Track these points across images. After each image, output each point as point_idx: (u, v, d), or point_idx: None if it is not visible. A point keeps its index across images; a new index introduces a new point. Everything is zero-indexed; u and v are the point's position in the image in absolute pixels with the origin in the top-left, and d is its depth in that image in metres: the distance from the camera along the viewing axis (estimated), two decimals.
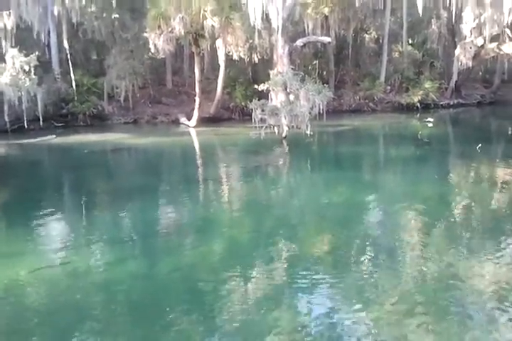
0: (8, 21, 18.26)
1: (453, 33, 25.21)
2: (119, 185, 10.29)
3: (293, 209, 8.21)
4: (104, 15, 21.32)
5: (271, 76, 17.17)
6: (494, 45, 22.24)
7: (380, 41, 25.83)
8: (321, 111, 15.53)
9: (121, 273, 5.35)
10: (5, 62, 16.92)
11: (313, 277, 5.08)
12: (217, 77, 20.58)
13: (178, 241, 6.45)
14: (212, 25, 16.71)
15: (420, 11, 22.24)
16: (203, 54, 20.88)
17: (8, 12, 18.45)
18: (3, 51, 18.03)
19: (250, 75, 22.23)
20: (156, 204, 8.70)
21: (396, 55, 25.89)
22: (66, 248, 6.12)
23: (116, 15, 21.35)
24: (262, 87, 16.14)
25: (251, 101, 16.39)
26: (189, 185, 10.07)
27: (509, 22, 20.70)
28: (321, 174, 11.34)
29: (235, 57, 18.16)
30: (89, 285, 5.00)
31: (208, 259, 5.75)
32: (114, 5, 21.04)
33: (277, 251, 6.03)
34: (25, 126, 17.50)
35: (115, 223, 7.58)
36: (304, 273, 5.19)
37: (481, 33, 22.02)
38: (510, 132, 17.56)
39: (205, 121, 20.33)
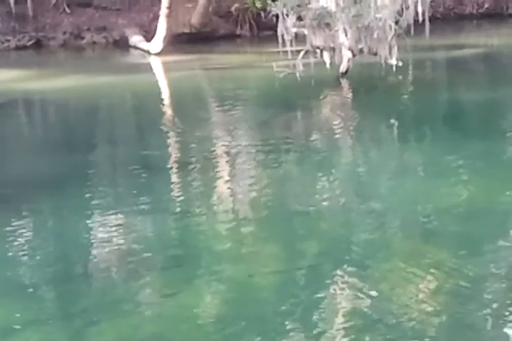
0: None
1: None
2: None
3: (362, 222, 7.34)
4: None
5: None
6: None
7: None
8: (421, 19, 13.74)
9: None
10: None
11: None
12: None
13: (125, 291, 5.87)
14: None
15: None
16: None
17: None
18: None
19: None
20: (85, 210, 7.82)
21: None
22: None
23: None
24: None
25: None
26: (153, 175, 9.03)
27: None
28: (420, 148, 10.16)
29: None
30: None
31: None
32: None
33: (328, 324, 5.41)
34: None
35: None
36: None
37: None
38: None
39: (182, 41, 18.79)
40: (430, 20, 14.05)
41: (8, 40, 19.63)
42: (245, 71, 16.14)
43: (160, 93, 14.86)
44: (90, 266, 6.59)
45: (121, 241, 7.09)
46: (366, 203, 8.02)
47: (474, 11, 22.80)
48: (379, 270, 6.30)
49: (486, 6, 22.85)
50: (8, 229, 7.39)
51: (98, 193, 8.65)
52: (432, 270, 6.11)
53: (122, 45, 19.61)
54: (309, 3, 13.94)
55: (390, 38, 13.49)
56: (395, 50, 13.58)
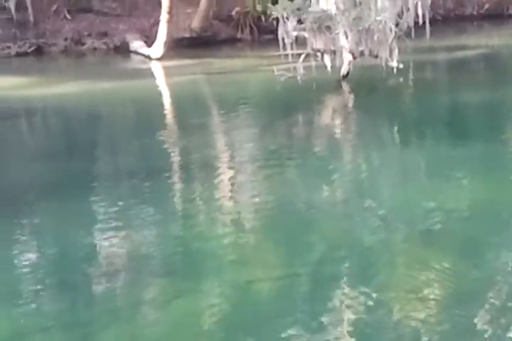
0: None
1: None
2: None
3: (365, 227, 7.44)
4: None
5: None
6: None
7: None
8: (421, 21, 13.80)
9: None
10: None
11: None
12: None
13: (126, 297, 6.08)
14: None
15: None
16: None
17: None
18: None
19: None
20: (85, 217, 7.93)
21: None
22: None
23: None
24: None
25: (275, 2, 14.74)
26: (154, 181, 9.10)
27: None
28: (423, 151, 10.23)
29: None
30: None
31: None
32: None
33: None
34: None
35: None
36: None
37: None
38: None
39: (182, 46, 18.82)
40: (430, 22, 14.09)
41: (9, 47, 19.57)
42: (246, 75, 16.15)
43: (161, 98, 14.89)
44: (91, 272, 6.67)
45: (122, 248, 7.20)
46: (368, 207, 8.11)
47: (475, 12, 22.79)
48: (382, 276, 6.33)
49: (487, 7, 22.81)
50: (10, 235, 7.41)
51: (99, 200, 8.72)
52: (435, 274, 6.16)
53: (123, 50, 19.60)
54: (309, 7, 13.91)
55: (390, 40, 13.52)
56: (395, 52, 13.60)
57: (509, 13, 22.78)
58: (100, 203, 8.63)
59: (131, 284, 6.35)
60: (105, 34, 20.15)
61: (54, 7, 20.48)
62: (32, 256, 7.31)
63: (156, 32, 18.11)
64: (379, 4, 13.59)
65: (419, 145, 10.59)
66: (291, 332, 5.32)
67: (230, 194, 8.92)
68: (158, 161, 10.07)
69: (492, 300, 5.65)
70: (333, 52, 13.85)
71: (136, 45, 19.13)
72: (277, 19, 13.97)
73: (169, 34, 17.94)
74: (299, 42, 13.92)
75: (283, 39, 13.77)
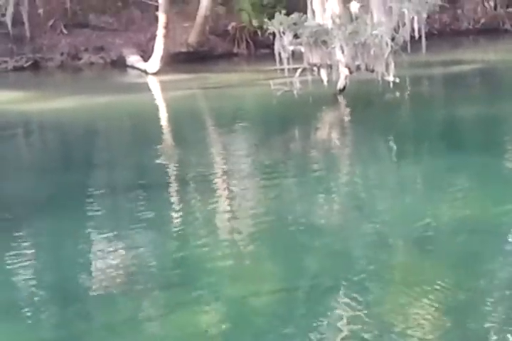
0: None
1: None
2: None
3: (361, 240, 7.49)
4: None
5: None
6: None
7: None
8: (417, 35, 13.93)
9: None
10: None
11: None
12: None
13: (124, 310, 6.08)
14: None
15: None
16: None
17: None
18: None
19: None
20: (83, 230, 7.99)
21: None
22: None
23: None
24: None
25: (271, 17, 14.51)
26: (151, 196, 9.19)
27: None
28: (419, 165, 10.35)
29: None
30: None
31: None
32: None
33: None
34: None
35: None
36: None
37: None
38: None
39: (179, 60, 18.81)
40: (426, 37, 14.14)
41: (6, 62, 19.50)
42: (243, 89, 16.18)
43: (158, 113, 14.93)
44: (89, 285, 6.64)
45: (120, 261, 7.19)
46: (365, 221, 8.14)
47: (470, 27, 22.71)
48: (378, 288, 6.29)
49: (482, 21, 22.81)
50: (8, 248, 7.35)
51: (96, 214, 8.75)
52: (431, 287, 6.09)
53: (120, 65, 19.61)
54: (306, 21, 13.93)
55: (386, 54, 13.59)
56: (391, 66, 13.65)
57: (505, 28, 22.75)
58: (96, 217, 8.64)
59: (127, 297, 6.36)
60: (102, 49, 20.18)
61: (51, 22, 20.56)
62: (26, 269, 7.22)
63: (153, 46, 18.13)
64: (375, 19, 13.71)
65: (415, 159, 10.66)
66: None
67: (225, 208, 8.90)
68: (155, 176, 10.06)
69: (488, 311, 5.60)
70: (330, 67, 13.94)
71: (133, 59, 19.16)
72: (274, 34, 14.02)
73: (166, 49, 17.95)
74: (296, 56, 13.94)
75: (279, 53, 13.81)
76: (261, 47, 18.72)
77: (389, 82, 13.72)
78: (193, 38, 19.47)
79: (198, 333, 5.70)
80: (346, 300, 5.99)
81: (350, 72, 13.87)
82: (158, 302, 6.37)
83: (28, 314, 6.06)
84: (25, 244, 7.82)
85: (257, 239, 7.74)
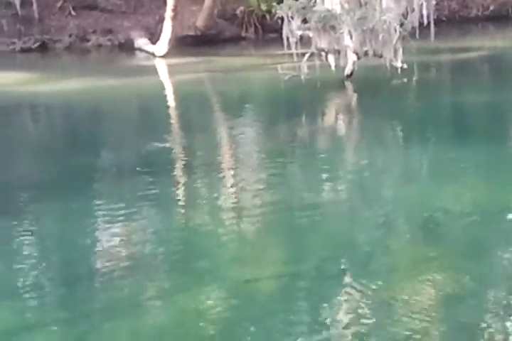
0: None
1: None
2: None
3: (367, 226, 7.45)
4: None
5: None
6: None
7: None
8: (426, 21, 13.89)
9: None
10: None
11: None
12: None
13: (127, 294, 6.07)
14: None
15: None
16: None
17: None
18: None
19: None
20: (88, 213, 7.93)
21: None
22: None
23: None
24: None
25: (280, 1, 14.74)
26: (157, 179, 9.12)
27: None
28: (426, 152, 10.23)
29: None
30: None
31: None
32: None
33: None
34: None
35: None
36: None
37: None
38: None
39: (186, 44, 18.70)
40: (435, 23, 14.16)
41: (14, 43, 19.50)
42: (250, 73, 16.24)
43: (165, 96, 14.94)
44: (92, 269, 6.72)
45: (124, 245, 7.23)
46: (371, 207, 8.12)
47: (479, 14, 22.76)
48: (383, 275, 6.29)
49: (491, 8, 22.80)
50: (12, 231, 7.45)
51: (101, 197, 8.77)
52: (438, 274, 6.16)
53: (128, 47, 19.61)
54: (314, 6, 13.91)
55: (395, 40, 13.56)
56: (399, 52, 13.61)
57: None
58: (100, 198, 8.64)
59: (130, 279, 6.38)
60: (110, 31, 20.17)
61: (59, 3, 20.53)
62: (30, 252, 7.31)
63: (161, 29, 18.23)
64: (384, 4, 13.63)
65: (423, 145, 10.58)
66: (291, 330, 5.40)
67: (230, 191, 8.90)
68: (161, 159, 10.07)
69: (493, 301, 5.66)
70: (338, 52, 13.88)
71: (141, 42, 19.18)
72: (282, 18, 14.01)
73: (174, 32, 18.03)
74: (304, 41, 13.95)
75: (287, 38, 13.82)
76: (269, 32, 18.88)
77: (397, 68, 13.68)
78: (201, 21, 19.58)
79: (200, 316, 5.73)
80: (351, 285, 6.03)
81: (358, 58, 13.86)
82: (161, 285, 6.41)
83: (31, 295, 6.12)
84: (29, 226, 7.84)
85: (262, 222, 7.76)
